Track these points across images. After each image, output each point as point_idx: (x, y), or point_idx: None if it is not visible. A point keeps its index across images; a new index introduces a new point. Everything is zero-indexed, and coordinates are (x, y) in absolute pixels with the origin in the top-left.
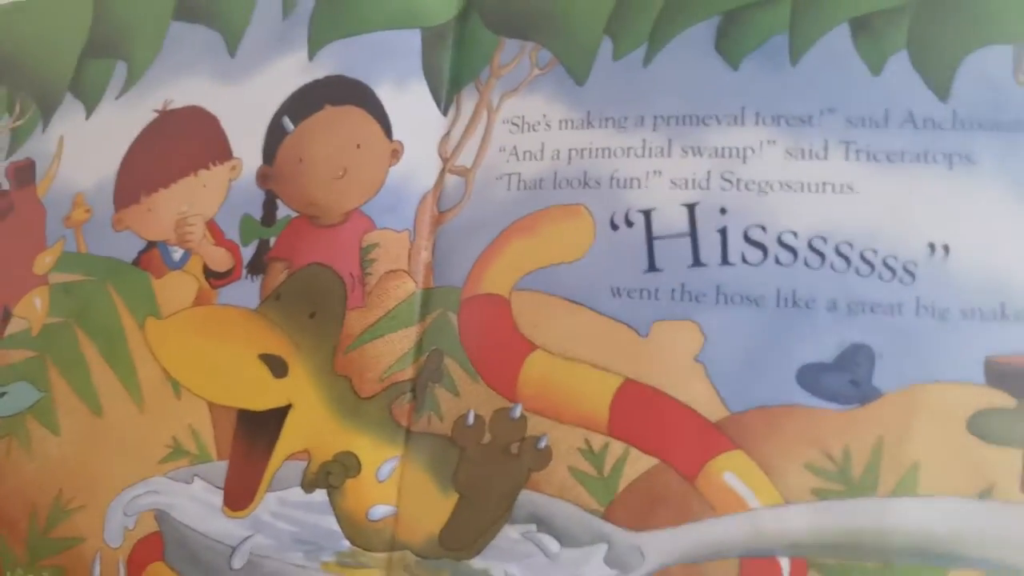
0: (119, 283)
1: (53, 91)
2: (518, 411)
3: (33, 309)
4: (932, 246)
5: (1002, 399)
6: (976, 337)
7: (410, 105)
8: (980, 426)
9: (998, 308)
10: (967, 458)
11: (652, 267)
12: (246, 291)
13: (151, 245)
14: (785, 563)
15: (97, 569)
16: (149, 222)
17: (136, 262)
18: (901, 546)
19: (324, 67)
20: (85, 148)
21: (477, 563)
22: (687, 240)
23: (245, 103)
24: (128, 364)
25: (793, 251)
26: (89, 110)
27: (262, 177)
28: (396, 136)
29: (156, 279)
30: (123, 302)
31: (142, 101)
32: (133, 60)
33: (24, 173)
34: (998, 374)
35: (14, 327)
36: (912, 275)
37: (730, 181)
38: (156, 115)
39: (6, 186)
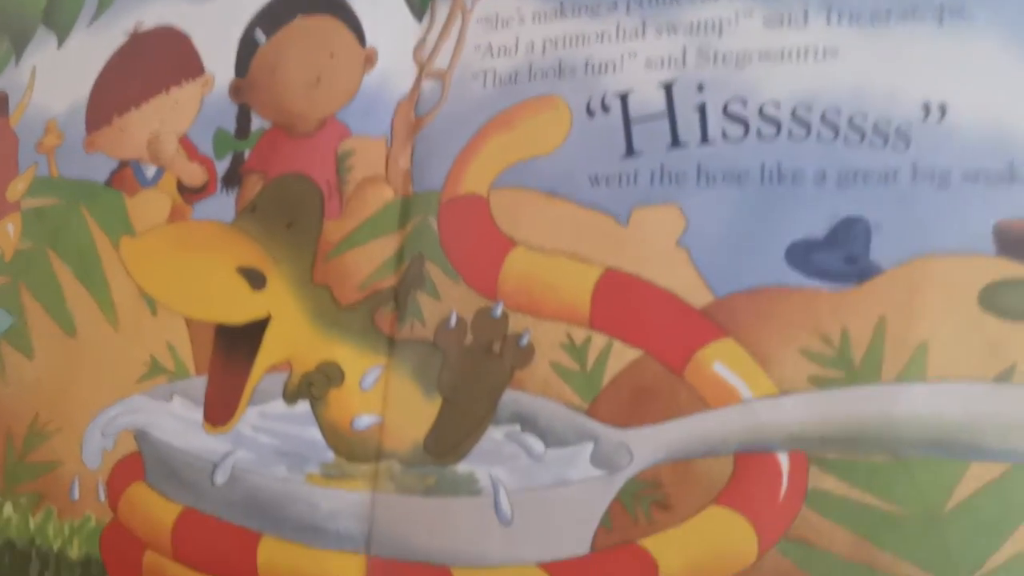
0: (92, 204)
1: (25, 24)
2: (499, 309)
3: (6, 235)
4: (927, 106)
5: (1016, 269)
6: (982, 202)
7: (383, 12)
8: (993, 300)
9: (1005, 168)
10: (981, 336)
11: (630, 151)
12: (221, 205)
13: (123, 165)
14: (783, 458)
15: (76, 492)
16: (121, 142)
17: (109, 182)
18: (912, 437)
19: None
20: (58, 76)
21: (462, 467)
22: (665, 121)
23: (216, 19)
24: (103, 284)
25: (776, 123)
26: (61, 39)
27: (235, 90)
28: (370, 43)
29: (129, 198)
30: (96, 223)
31: (114, 26)
32: None
33: None
34: (1010, 241)
35: None
36: (907, 139)
37: (707, 56)
38: (128, 38)
39: None
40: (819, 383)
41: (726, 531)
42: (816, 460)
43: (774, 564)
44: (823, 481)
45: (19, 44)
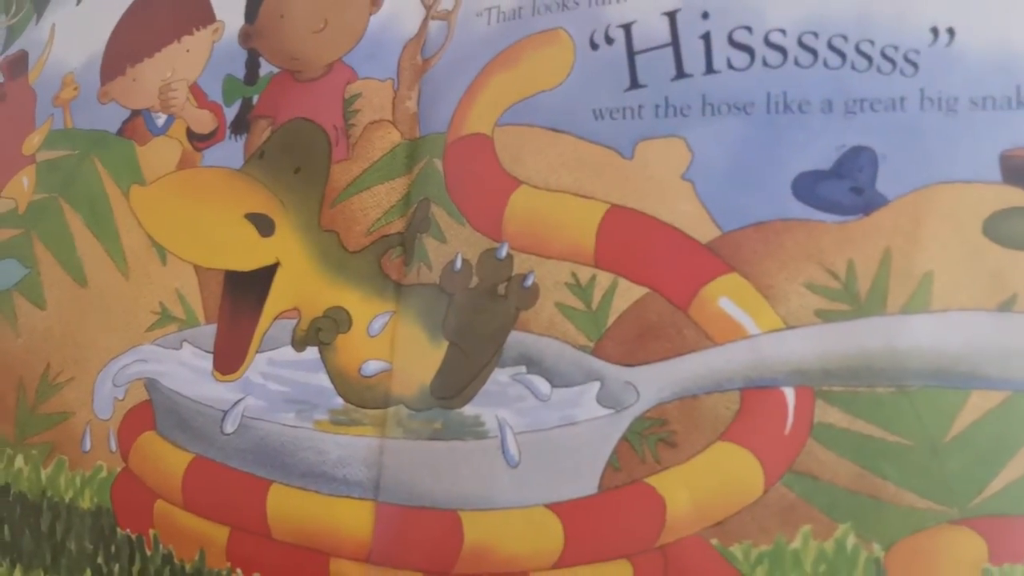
0: (103, 154)
1: None
2: (504, 250)
3: (20, 188)
4: (935, 31)
5: (1020, 197)
6: (989, 129)
7: None
8: (998, 228)
9: (1013, 94)
10: (985, 266)
11: (634, 83)
12: (230, 151)
13: (135, 114)
14: (790, 392)
15: (88, 442)
16: (134, 91)
17: (120, 132)
18: (915, 368)
19: None
20: (76, 32)
21: (468, 410)
22: (669, 51)
23: None
24: (113, 233)
25: (782, 50)
26: None
27: (244, 36)
28: None
29: (140, 146)
30: (107, 172)
31: None
32: None
33: (17, 65)
34: (1015, 169)
35: (2, 207)
36: (914, 65)
37: None
38: None
39: (1, 79)
40: (825, 316)
41: (732, 467)
42: (821, 393)
43: (779, 497)
44: (828, 414)
45: (40, 3)
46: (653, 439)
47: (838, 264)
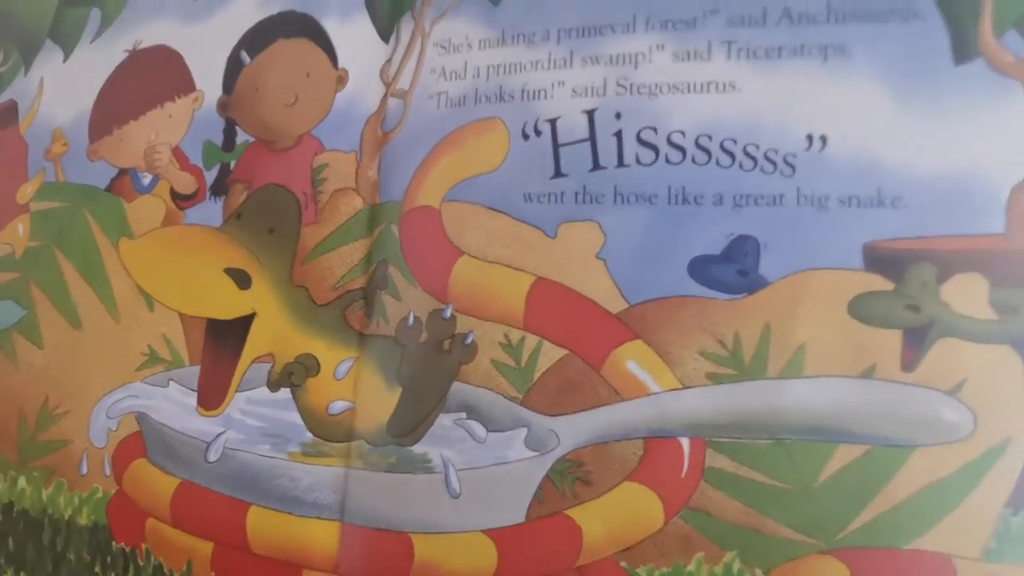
0: (94, 208)
1: (34, 38)
2: (449, 311)
3: (16, 235)
4: (810, 137)
5: (880, 283)
6: (854, 223)
7: (354, 35)
8: (860, 309)
9: (874, 194)
10: (849, 340)
11: (558, 172)
12: (210, 211)
13: (122, 172)
14: (685, 443)
15: (84, 467)
16: (121, 151)
17: (109, 188)
18: (791, 424)
19: (277, 4)
20: (64, 87)
21: (418, 448)
22: (588, 145)
23: (207, 41)
24: (104, 281)
25: (682, 150)
26: (67, 53)
27: (222, 106)
28: (342, 64)
29: (127, 203)
30: (98, 225)
31: (115, 43)
32: (106, 7)
33: (6, 115)
34: (876, 259)
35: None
36: (792, 167)
37: (624, 86)
38: (127, 54)
39: None
40: (715, 379)
41: (638, 503)
42: (712, 443)
43: (677, 528)
44: (717, 461)
45: (28, 56)
46: (571, 478)
47: (726, 335)
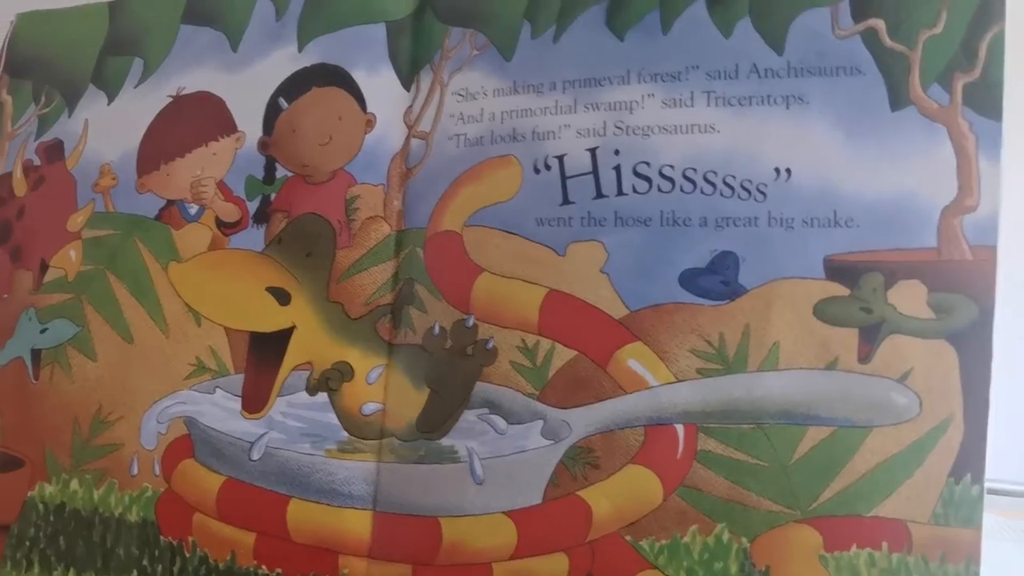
0: (144, 235)
1: (77, 84)
2: (471, 321)
3: (68, 260)
4: (778, 170)
5: (838, 289)
6: (816, 240)
7: (380, 84)
8: (823, 312)
9: (831, 215)
10: (815, 338)
11: (566, 200)
12: (252, 237)
13: (170, 203)
14: (680, 429)
15: (135, 468)
16: (168, 185)
17: (158, 217)
18: (768, 410)
19: (310, 57)
20: (109, 128)
21: (445, 442)
22: (591, 177)
23: (246, 87)
24: (154, 300)
25: (671, 181)
26: (111, 98)
27: (262, 145)
28: (370, 109)
29: (175, 230)
30: (148, 250)
31: (158, 89)
32: (148, 57)
33: (53, 151)
34: (834, 269)
35: (51, 276)
36: (764, 194)
37: (621, 128)
38: (170, 99)
39: (37, 162)
40: (704, 373)
41: (640, 482)
42: (702, 429)
43: (674, 505)
44: (707, 444)
45: (71, 100)
46: (582, 462)
47: (713, 335)
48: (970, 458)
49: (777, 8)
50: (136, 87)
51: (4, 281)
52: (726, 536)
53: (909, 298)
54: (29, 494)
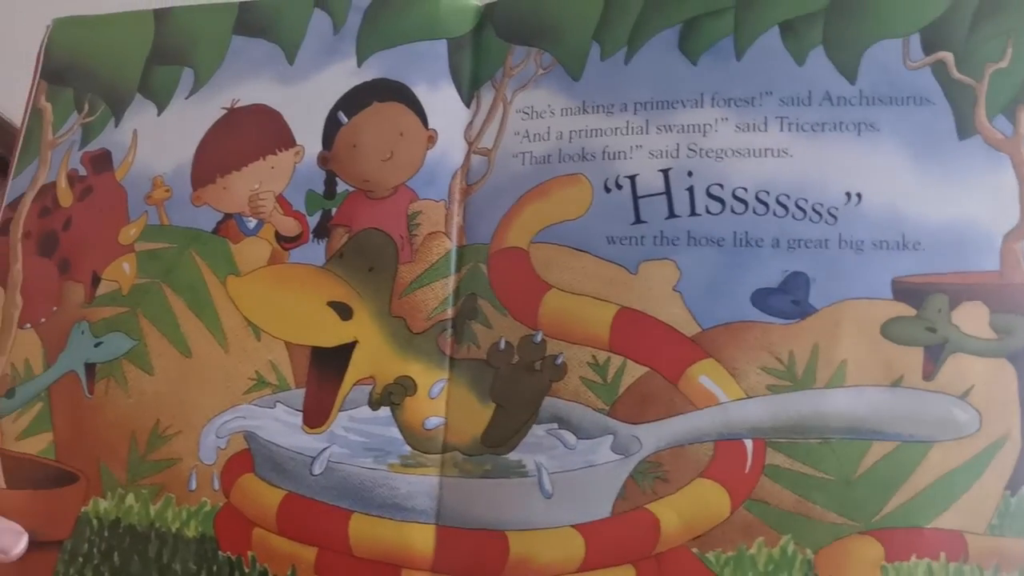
0: (201, 248)
1: (122, 93)
2: (540, 336)
3: (122, 272)
4: (848, 194)
5: (905, 310)
6: (884, 262)
7: (441, 100)
8: (889, 331)
9: (900, 239)
10: (881, 356)
11: (638, 220)
12: (313, 252)
13: (227, 216)
14: (748, 444)
15: (193, 483)
16: (225, 198)
17: (215, 231)
18: (835, 426)
19: (370, 71)
20: (160, 139)
21: (513, 456)
22: (664, 198)
23: (304, 101)
24: (213, 314)
25: (745, 203)
26: (160, 108)
27: (322, 160)
28: (431, 125)
29: (234, 244)
30: (205, 264)
31: (210, 100)
32: (199, 67)
33: (101, 161)
34: (901, 290)
35: (103, 289)
36: (835, 217)
37: (694, 151)
38: (225, 111)
39: (83, 172)
40: (773, 390)
41: (708, 496)
42: (770, 443)
43: (741, 517)
44: (775, 458)
45: (117, 109)
46: (651, 476)
47: (783, 353)
48: None
49: (850, 38)
50: (187, 98)
51: (53, 293)
52: (791, 548)
53: (972, 319)
54: (83, 509)
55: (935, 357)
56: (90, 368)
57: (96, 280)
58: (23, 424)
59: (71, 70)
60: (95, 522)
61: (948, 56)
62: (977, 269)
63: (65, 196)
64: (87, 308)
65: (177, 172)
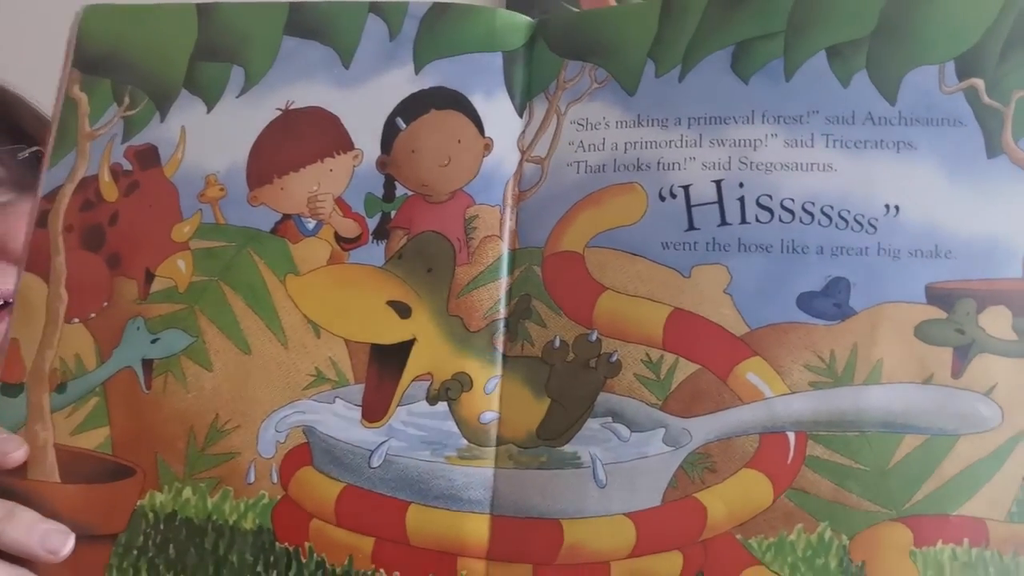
0: (259, 247)
1: (167, 87)
2: (595, 335)
3: (177, 270)
4: (888, 207)
5: (936, 313)
6: (919, 270)
7: (496, 110)
8: (923, 332)
9: (934, 249)
10: (914, 355)
11: (691, 227)
12: (372, 253)
13: (286, 217)
14: (792, 436)
15: (252, 476)
16: (282, 199)
17: (274, 231)
18: (871, 420)
19: (428, 79)
20: (210, 137)
21: (568, 448)
22: (716, 207)
23: (361, 105)
24: (272, 312)
25: (792, 212)
26: (210, 106)
27: (381, 164)
28: (487, 134)
29: (292, 244)
30: (264, 262)
31: (264, 101)
32: (249, 66)
33: (147, 156)
34: (934, 295)
35: (158, 285)
36: (875, 227)
37: (745, 164)
38: (279, 112)
39: (127, 167)
40: (815, 386)
41: (753, 485)
42: (811, 436)
43: (782, 505)
44: (815, 450)
45: (162, 104)
46: (701, 467)
47: (824, 352)
48: None
49: (891, 64)
50: (238, 97)
51: (104, 289)
52: (828, 534)
53: (997, 322)
54: (139, 503)
55: (963, 357)
56: (147, 364)
57: (150, 277)
58: (78, 419)
59: (108, 61)
60: (151, 515)
61: (979, 83)
62: (1002, 276)
63: (109, 190)
64: (141, 304)
65: (231, 171)
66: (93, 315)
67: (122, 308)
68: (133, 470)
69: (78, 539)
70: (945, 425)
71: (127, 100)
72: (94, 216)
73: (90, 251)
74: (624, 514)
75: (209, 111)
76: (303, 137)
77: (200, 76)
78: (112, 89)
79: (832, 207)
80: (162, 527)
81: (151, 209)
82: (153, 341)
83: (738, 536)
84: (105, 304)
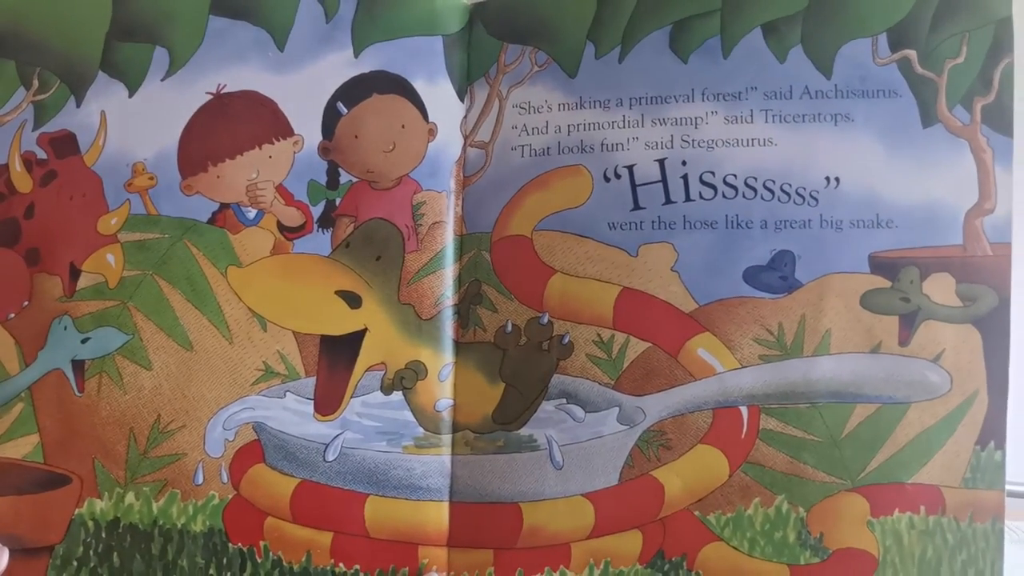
0: (196, 239)
1: (81, 69)
2: (546, 318)
3: (106, 264)
4: (828, 179)
5: (881, 282)
6: (862, 240)
7: (438, 95)
8: (868, 302)
9: (875, 218)
10: (861, 325)
11: (636, 206)
12: (318, 242)
13: (224, 207)
14: (744, 410)
15: (200, 477)
16: (219, 187)
17: (211, 221)
18: (822, 391)
19: (368, 63)
20: (136, 123)
21: (524, 431)
22: (660, 186)
23: (299, 90)
24: (214, 306)
25: (735, 188)
26: (132, 89)
27: (323, 150)
28: (431, 119)
29: (233, 234)
30: (202, 254)
31: (192, 84)
32: (173, 47)
33: (64, 144)
34: (877, 264)
35: (85, 282)
36: (816, 199)
37: (687, 142)
38: (210, 96)
39: (42, 155)
40: (765, 359)
41: (708, 461)
42: (764, 409)
43: (739, 480)
44: (768, 423)
45: (77, 87)
46: (655, 444)
47: (773, 325)
48: (993, 427)
49: (825, 38)
50: (163, 80)
51: (22, 287)
52: (785, 507)
53: (940, 288)
54: (77, 511)
55: (909, 324)
56: (78, 365)
57: (75, 272)
58: (2, 427)
59: (9, 40)
60: (91, 523)
61: (912, 53)
62: (943, 244)
63: (22, 181)
64: (67, 302)
65: (160, 159)
66: (12, 315)
67: (45, 307)
68: (68, 478)
69: (12, 553)
70: (895, 393)
71: (35, 83)
72: (7, 209)
73: (4, 247)
74: (582, 495)
75: (132, 95)
76: (238, 122)
77: (119, 58)
78: (17, 71)
79: (774, 181)
80: (104, 535)
81: (72, 200)
82: (83, 341)
83: (696, 512)
84: (25, 303)
